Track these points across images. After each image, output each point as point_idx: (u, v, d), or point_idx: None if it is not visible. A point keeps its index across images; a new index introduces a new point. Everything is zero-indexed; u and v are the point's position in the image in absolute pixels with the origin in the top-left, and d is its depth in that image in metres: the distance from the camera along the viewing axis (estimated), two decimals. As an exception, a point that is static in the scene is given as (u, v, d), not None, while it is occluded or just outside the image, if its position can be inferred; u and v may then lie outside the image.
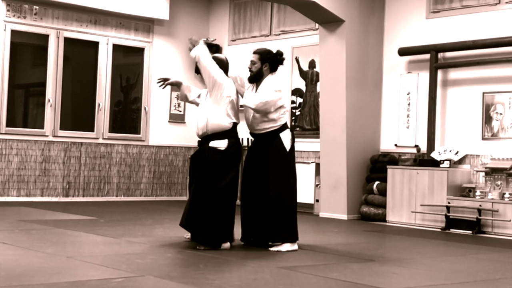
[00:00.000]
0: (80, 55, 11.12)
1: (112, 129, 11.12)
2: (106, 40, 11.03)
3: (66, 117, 10.67)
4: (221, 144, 6.05)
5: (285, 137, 6.21)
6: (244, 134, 7.43)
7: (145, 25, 11.43)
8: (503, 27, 8.54)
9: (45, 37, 10.47)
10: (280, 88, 6.29)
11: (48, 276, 4.47)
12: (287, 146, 6.20)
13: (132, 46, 11.38)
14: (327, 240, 7.15)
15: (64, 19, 10.60)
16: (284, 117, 6.30)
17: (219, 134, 6.06)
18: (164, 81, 6.54)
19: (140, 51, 11.47)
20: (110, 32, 11.07)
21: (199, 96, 6.46)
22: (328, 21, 9.40)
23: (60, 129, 10.54)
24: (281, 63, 6.39)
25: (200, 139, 6.19)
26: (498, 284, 4.91)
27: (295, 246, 6.10)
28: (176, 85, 6.61)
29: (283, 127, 6.25)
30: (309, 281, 4.67)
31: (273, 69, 6.31)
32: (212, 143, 6.05)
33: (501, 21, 8.58)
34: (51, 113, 10.46)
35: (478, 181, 8.60)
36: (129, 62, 11.63)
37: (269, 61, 6.30)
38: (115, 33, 11.12)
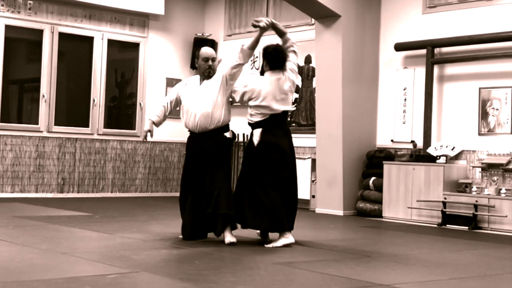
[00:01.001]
0: (75, 50, 11.09)
1: (107, 124, 11.10)
2: (101, 35, 11.01)
3: (60, 112, 10.65)
4: (229, 135, 6.30)
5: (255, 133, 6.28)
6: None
7: (140, 20, 11.41)
8: (499, 22, 8.54)
9: (40, 32, 10.44)
10: (246, 83, 6.31)
11: (43, 272, 4.46)
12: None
13: (127, 41, 11.36)
14: (323, 236, 7.15)
15: (59, 14, 10.58)
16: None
17: (227, 126, 6.27)
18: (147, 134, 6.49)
19: (135, 46, 11.45)
20: (105, 27, 11.05)
21: (171, 103, 6.42)
22: (324, 16, 9.39)
23: (55, 124, 10.53)
24: (274, 59, 6.27)
25: (204, 131, 6.18)
26: (494, 280, 4.92)
27: (290, 239, 6.09)
28: (154, 125, 6.54)
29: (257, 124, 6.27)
30: (305, 277, 4.67)
31: (271, 67, 6.27)
32: (227, 134, 6.25)
33: (497, 16, 8.58)
34: (46, 109, 10.44)
35: (475, 177, 8.61)
36: (124, 57, 11.61)
37: (265, 58, 6.31)
38: (110, 28, 11.10)
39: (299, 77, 6.20)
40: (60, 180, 10.57)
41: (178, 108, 6.46)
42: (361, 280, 4.61)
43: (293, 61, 6.29)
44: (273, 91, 6.17)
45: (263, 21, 6.24)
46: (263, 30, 6.21)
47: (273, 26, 6.30)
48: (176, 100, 6.41)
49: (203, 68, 6.24)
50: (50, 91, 10.48)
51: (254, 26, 6.29)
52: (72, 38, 10.80)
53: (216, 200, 6.05)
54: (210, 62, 6.22)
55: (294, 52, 6.35)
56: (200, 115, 6.15)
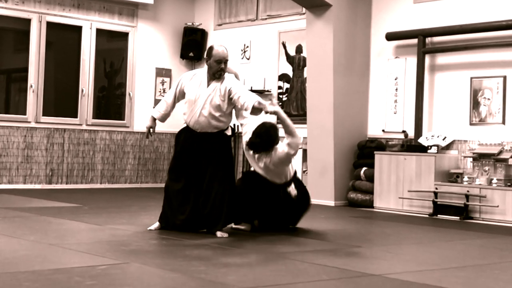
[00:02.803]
0: (63, 39, 11.02)
1: (96, 115, 11.05)
2: (90, 24, 10.96)
3: (49, 103, 10.59)
4: (229, 132, 6.33)
5: None
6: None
7: (129, 9, 11.35)
8: (491, 11, 8.54)
9: (27, 22, 10.37)
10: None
11: (32, 264, 4.44)
12: None
13: (116, 30, 11.30)
14: (315, 226, 7.15)
15: (47, 3, 10.51)
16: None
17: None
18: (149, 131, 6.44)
19: (124, 35, 11.39)
20: (94, 17, 10.99)
21: (175, 97, 6.33)
22: (315, 5, 9.37)
23: (43, 115, 10.47)
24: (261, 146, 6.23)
25: (205, 132, 6.16)
26: (485, 269, 4.94)
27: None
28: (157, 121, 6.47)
29: None
30: (296, 267, 4.67)
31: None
32: (227, 132, 6.26)
33: (489, 6, 8.59)
34: (34, 99, 10.38)
35: (466, 167, 8.63)
36: (113, 47, 11.56)
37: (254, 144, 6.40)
38: (98, 17, 11.04)
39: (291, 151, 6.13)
40: (48, 171, 10.53)
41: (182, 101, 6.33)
42: (353, 270, 4.61)
43: (282, 151, 6.21)
44: (264, 172, 6.33)
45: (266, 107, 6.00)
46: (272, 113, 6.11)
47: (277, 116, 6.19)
48: (180, 94, 6.27)
49: (215, 70, 6.05)
50: (38, 81, 10.42)
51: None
52: (60, 27, 10.74)
53: (214, 202, 6.05)
54: (222, 65, 6.07)
55: (289, 145, 6.21)
56: (204, 117, 6.06)
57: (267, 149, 6.22)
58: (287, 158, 6.26)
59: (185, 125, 6.26)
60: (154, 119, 6.36)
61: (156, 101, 11.50)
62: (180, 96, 6.29)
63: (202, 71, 6.25)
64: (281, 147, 6.23)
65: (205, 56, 6.33)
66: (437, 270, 4.82)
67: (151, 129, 6.36)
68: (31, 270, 4.20)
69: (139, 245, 5.40)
